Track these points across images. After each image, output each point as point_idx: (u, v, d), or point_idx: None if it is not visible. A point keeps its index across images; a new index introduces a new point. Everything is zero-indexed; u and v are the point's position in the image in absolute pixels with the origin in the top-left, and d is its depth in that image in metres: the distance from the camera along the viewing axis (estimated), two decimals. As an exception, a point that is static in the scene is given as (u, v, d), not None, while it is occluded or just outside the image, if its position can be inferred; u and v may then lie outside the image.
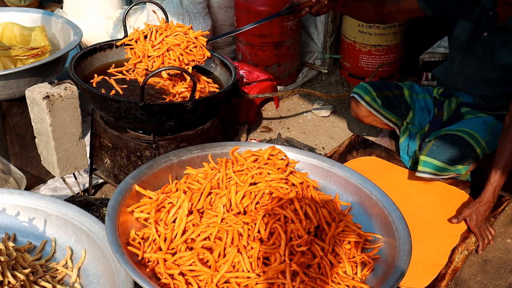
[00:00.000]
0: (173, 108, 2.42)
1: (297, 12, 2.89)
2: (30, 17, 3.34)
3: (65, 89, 2.52)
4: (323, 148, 3.56)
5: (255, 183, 2.09)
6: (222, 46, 4.52)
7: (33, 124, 2.63)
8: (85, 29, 3.88)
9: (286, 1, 3.90)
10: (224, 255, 1.90)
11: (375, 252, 2.07)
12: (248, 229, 1.92)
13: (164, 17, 2.88)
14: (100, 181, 3.07)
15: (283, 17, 3.98)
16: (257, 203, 2.02)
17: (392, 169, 3.07)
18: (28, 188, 3.01)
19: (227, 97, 2.82)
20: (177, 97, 2.61)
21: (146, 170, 2.23)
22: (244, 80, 3.78)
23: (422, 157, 2.80)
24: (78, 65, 2.71)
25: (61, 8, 4.92)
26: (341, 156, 3.14)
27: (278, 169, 2.16)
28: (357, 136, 3.30)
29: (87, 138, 3.19)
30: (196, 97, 2.50)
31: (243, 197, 2.03)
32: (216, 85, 2.78)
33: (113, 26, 4.43)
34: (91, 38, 4.48)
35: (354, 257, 2.02)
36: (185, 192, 2.11)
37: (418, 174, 2.83)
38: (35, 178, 3.06)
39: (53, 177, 3.10)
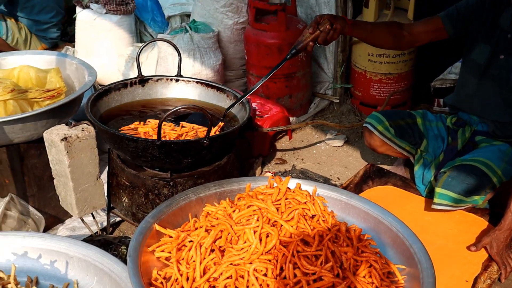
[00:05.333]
0: (190, 146, 2.44)
1: (302, 50, 2.83)
2: (45, 60, 3.41)
3: (82, 130, 2.55)
4: (338, 179, 3.56)
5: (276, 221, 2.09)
6: (233, 79, 4.57)
7: (51, 165, 2.66)
8: (97, 67, 3.91)
9: (296, 34, 3.95)
10: (247, 293, 1.90)
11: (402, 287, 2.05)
12: (272, 268, 1.92)
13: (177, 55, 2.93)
14: (118, 219, 3.09)
15: (291, 45, 4.00)
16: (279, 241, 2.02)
17: (409, 198, 3.06)
18: (47, 228, 3.03)
19: (243, 132, 2.83)
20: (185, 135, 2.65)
21: (165, 209, 2.24)
22: (257, 113, 3.80)
23: (438, 189, 2.78)
24: (94, 105, 2.74)
25: (73, 47, 5.01)
26: (357, 186, 3.13)
27: (299, 203, 2.16)
28: (372, 165, 3.30)
29: (104, 176, 3.21)
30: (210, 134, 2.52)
31: (266, 236, 2.03)
32: (204, 128, 2.76)
33: (125, 63, 4.49)
34: (104, 76, 4.54)
35: (377, 289, 2.01)
36: (206, 230, 2.12)
37: (434, 207, 2.81)
38: (53, 218, 3.08)
39: (71, 216, 3.12)
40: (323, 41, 2.79)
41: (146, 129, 2.66)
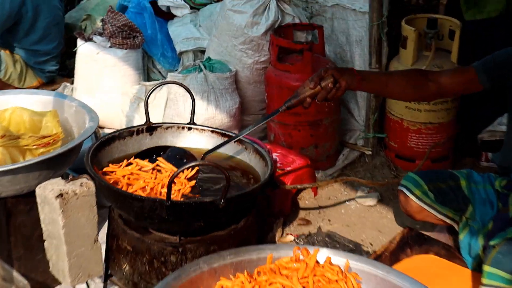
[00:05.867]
0: (203, 207, 2.38)
1: (298, 105, 2.77)
2: (41, 100, 3.36)
3: (81, 186, 2.49)
4: (371, 244, 3.47)
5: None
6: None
7: (42, 225, 2.59)
8: (98, 106, 3.92)
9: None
10: None
11: None
12: None
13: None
14: None
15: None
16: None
17: (454, 271, 2.96)
18: (34, 296, 2.95)
19: (263, 191, 2.77)
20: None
21: (173, 281, 2.15)
22: (278, 165, 3.74)
23: (486, 268, 2.64)
24: (95, 156, 2.70)
25: (72, 83, 5.01)
26: (393, 254, 3.04)
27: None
28: (410, 230, 3.20)
29: (102, 236, 3.13)
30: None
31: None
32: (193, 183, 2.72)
33: (129, 104, 4.47)
34: (105, 117, 4.51)
35: None
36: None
37: None
38: (41, 284, 3.00)
39: (60, 284, 3.04)
40: (322, 99, 2.74)
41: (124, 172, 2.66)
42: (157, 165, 2.75)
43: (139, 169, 2.72)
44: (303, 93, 2.74)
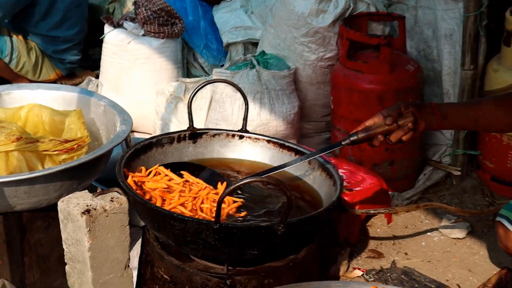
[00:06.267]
0: (259, 233, 2.43)
1: (365, 140, 2.77)
2: (63, 97, 3.49)
3: (112, 201, 2.58)
4: (459, 286, 3.47)
5: None
6: (312, 134, 4.59)
7: (64, 246, 2.68)
8: (127, 107, 3.99)
9: (403, 79, 3.96)
10: None
11: None
12: None
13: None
14: (147, 324, 3.08)
15: (397, 93, 4.02)
16: None
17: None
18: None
19: (330, 215, 2.82)
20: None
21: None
22: (345, 184, 3.77)
23: None
24: (129, 166, 2.79)
25: (96, 77, 5.13)
26: (487, 300, 3.06)
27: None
28: (509, 271, 3.21)
29: (133, 262, 3.21)
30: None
31: None
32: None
33: (165, 104, 4.57)
34: (136, 119, 4.58)
35: None
36: None
37: None
38: (59, 316, 3.10)
39: (83, 316, 3.13)
40: (396, 140, 2.74)
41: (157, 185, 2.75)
42: (186, 180, 2.87)
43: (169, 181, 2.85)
44: (373, 129, 2.75)
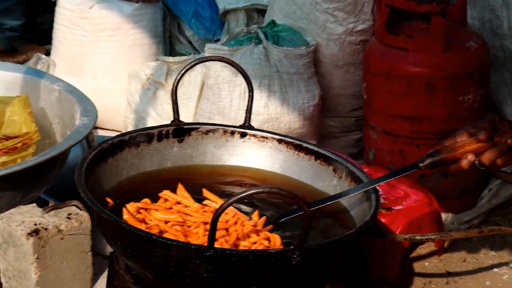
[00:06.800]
0: (266, 262, 2.41)
1: (450, 162, 2.81)
2: (3, 78, 3.49)
3: (69, 219, 2.57)
4: None
5: None
6: (337, 134, 4.58)
7: (2, 279, 2.68)
8: (90, 95, 3.99)
9: (462, 60, 3.95)
10: None
11: None
12: None
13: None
14: None
15: (453, 79, 4.03)
16: None
17: None
18: None
19: (360, 241, 2.81)
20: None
21: None
22: (381, 201, 3.76)
23: None
24: (92, 173, 2.76)
25: (47, 54, 5.12)
26: None
27: None
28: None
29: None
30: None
31: None
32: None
33: (141, 91, 4.56)
34: (101, 112, 4.56)
35: None
36: None
37: None
38: None
39: None
40: (490, 161, 2.74)
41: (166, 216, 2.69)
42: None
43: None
44: (459, 147, 2.78)
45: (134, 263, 2.60)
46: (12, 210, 2.62)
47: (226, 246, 2.60)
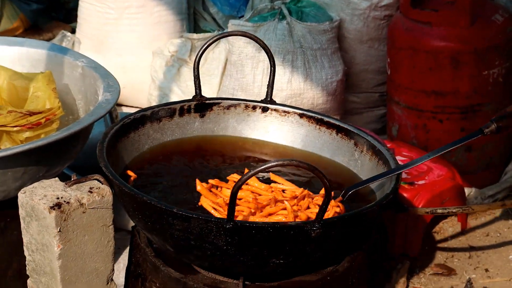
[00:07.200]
0: (286, 235, 2.42)
1: None
2: (28, 55, 3.50)
3: (90, 192, 2.58)
4: (559, 315, 3.48)
5: None
6: (361, 109, 4.58)
7: (26, 252, 2.69)
8: (113, 72, 4.00)
9: (491, 35, 3.93)
10: None
11: None
12: None
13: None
14: None
15: (479, 54, 4.01)
16: None
17: None
18: None
19: (381, 214, 2.81)
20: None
21: None
22: (404, 176, 3.76)
23: None
24: (114, 147, 2.78)
25: (72, 32, 5.13)
26: None
27: None
28: None
29: (119, 272, 3.23)
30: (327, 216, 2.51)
31: None
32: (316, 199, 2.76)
33: (165, 68, 4.58)
34: (124, 89, 4.59)
35: None
36: None
37: None
38: None
39: None
40: None
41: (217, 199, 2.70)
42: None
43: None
44: None
45: (155, 236, 2.62)
46: (35, 184, 2.62)
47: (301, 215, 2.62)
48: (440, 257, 3.80)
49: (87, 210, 2.57)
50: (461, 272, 3.71)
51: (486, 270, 3.73)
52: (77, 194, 2.57)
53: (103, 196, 2.59)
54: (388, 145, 3.64)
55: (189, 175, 2.88)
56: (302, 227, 2.41)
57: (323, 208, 2.37)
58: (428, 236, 3.86)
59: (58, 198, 2.55)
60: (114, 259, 2.70)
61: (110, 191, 2.60)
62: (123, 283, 2.95)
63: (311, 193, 2.76)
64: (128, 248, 3.05)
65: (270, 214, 2.61)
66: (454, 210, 3.47)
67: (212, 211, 2.62)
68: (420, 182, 3.75)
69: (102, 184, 2.61)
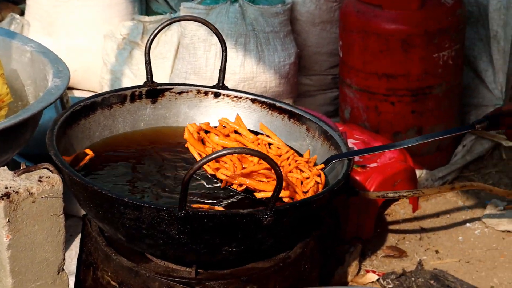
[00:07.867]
0: (238, 223, 2.42)
1: (507, 123, 2.76)
2: (-27, 40, 3.47)
3: (40, 181, 2.55)
4: (508, 295, 3.51)
5: None
6: (313, 92, 4.59)
7: (-27, 244, 2.67)
8: (64, 56, 3.97)
9: (440, 17, 3.95)
10: None
11: None
12: None
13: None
14: None
15: (428, 36, 4.02)
16: None
17: None
18: None
19: (333, 199, 2.82)
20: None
21: None
22: (356, 159, 3.77)
23: None
24: (64, 134, 2.76)
25: (21, 14, 5.08)
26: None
27: None
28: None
29: (70, 262, 3.21)
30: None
31: None
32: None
33: (116, 52, 4.55)
34: (75, 72, 4.57)
35: None
36: None
37: None
38: None
39: None
40: None
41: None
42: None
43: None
44: None
45: (106, 225, 2.60)
46: (-18, 173, 2.61)
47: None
48: (392, 239, 3.83)
49: (37, 200, 2.55)
50: (412, 254, 3.74)
51: (437, 251, 3.76)
52: (27, 184, 2.55)
53: (53, 185, 2.57)
54: (340, 128, 3.67)
55: (141, 162, 2.90)
56: (254, 215, 2.42)
57: (275, 195, 2.37)
58: (380, 219, 3.88)
59: (6, 188, 2.53)
60: (65, 248, 2.68)
61: (60, 180, 2.58)
62: (75, 272, 2.94)
63: (296, 155, 2.83)
64: (79, 236, 3.03)
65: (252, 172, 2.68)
66: (405, 194, 3.48)
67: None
68: (372, 165, 3.77)
69: (52, 173, 2.59)
